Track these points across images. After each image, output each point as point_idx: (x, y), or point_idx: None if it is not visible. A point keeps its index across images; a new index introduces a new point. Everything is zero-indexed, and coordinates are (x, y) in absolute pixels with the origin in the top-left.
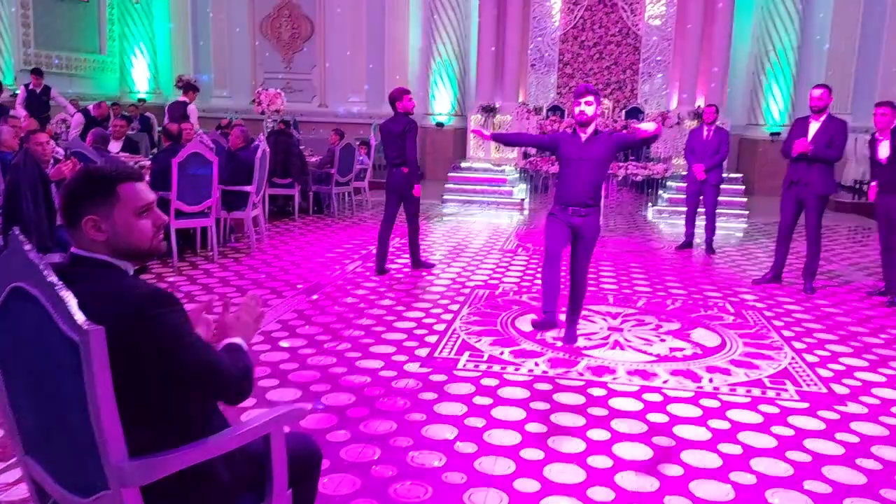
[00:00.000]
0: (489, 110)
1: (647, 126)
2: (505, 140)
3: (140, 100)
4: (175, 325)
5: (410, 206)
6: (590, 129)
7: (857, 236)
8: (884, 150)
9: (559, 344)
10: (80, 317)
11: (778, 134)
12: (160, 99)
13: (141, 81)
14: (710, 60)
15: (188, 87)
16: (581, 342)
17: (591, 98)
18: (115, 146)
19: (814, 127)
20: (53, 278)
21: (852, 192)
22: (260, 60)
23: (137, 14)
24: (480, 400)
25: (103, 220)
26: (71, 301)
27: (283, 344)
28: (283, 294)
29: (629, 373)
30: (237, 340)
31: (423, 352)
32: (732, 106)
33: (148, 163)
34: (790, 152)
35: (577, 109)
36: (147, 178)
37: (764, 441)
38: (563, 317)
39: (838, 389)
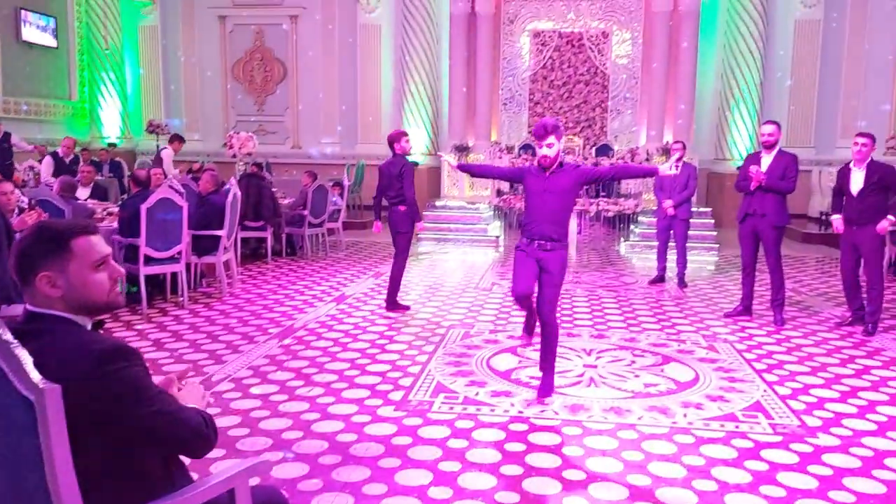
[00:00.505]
0: (462, 149)
1: (664, 168)
2: (472, 171)
3: (110, 144)
4: (135, 380)
5: (401, 241)
6: (555, 165)
7: (824, 266)
8: (857, 182)
9: (535, 382)
10: (35, 375)
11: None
12: (130, 144)
13: (111, 126)
14: (676, 97)
15: (175, 137)
16: (556, 380)
17: (551, 139)
18: (83, 193)
19: (766, 161)
20: (8, 336)
21: (819, 224)
22: (232, 103)
23: (107, 60)
24: (455, 443)
25: (58, 276)
26: (26, 359)
27: (253, 391)
28: (254, 339)
29: (604, 410)
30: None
31: (397, 395)
32: (700, 141)
33: (116, 209)
34: (747, 186)
35: (539, 153)
36: (115, 224)
37: (738, 476)
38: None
39: (810, 422)
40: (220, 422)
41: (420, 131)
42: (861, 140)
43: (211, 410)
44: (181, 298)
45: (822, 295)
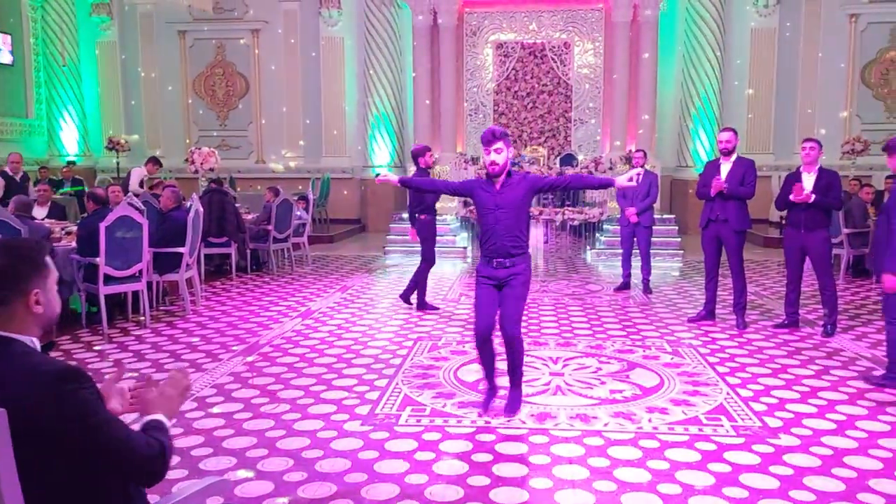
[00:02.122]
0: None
1: (621, 180)
2: (416, 185)
3: (70, 162)
4: (85, 403)
5: (424, 247)
6: (503, 175)
7: (785, 270)
8: (807, 187)
9: (503, 392)
10: None
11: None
12: (90, 161)
13: (70, 144)
14: (638, 107)
15: (151, 159)
16: (523, 389)
17: (500, 144)
18: (39, 212)
19: (725, 168)
20: None
21: (779, 228)
22: (194, 118)
23: (65, 76)
24: (422, 455)
25: (41, 294)
26: None
27: (216, 410)
28: (218, 357)
29: (570, 418)
30: (159, 417)
31: (364, 409)
32: (662, 149)
33: (75, 228)
34: (707, 193)
35: (487, 160)
36: (74, 243)
37: (701, 479)
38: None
39: (772, 422)
40: (183, 442)
41: (385, 143)
42: (808, 144)
43: (173, 430)
44: (143, 317)
45: (783, 298)
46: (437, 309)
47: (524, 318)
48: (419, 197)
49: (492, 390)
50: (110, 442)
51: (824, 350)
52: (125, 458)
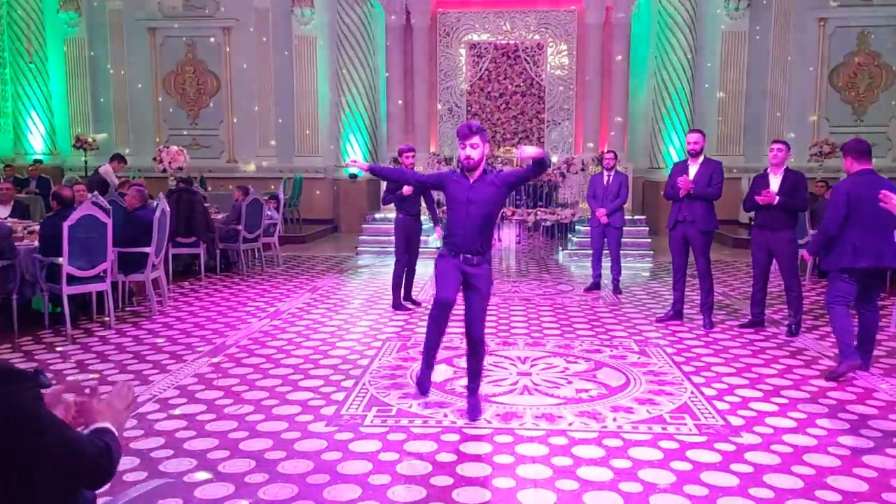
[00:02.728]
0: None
1: (529, 149)
2: (385, 174)
3: (36, 161)
4: (28, 404)
5: (395, 248)
6: (478, 171)
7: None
8: (773, 188)
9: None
10: None
11: None
12: (58, 160)
13: (37, 142)
14: (611, 109)
15: (115, 156)
16: (490, 389)
17: (476, 139)
18: (2, 211)
19: (693, 169)
20: None
21: (749, 229)
22: (164, 117)
23: (32, 73)
24: (386, 456)
25: None
26: None
27: (176, 412)
28: (183, 359)
29: (536, 417)
30: (105, 425)
31: (329, 410)
32: (634, 151)
33: (38, 227)
34: (675, 194)
35: (462, 154)
36: (37, 243)
37: (663, 477)
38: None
39: (734, 421)
40: (143, 443)
41: (359, 143)
42: (777, 146)
43: (133, 432)
44: (108, 318)
45: (749, 299)
46: (412, 308)
47: (494, 319)
48: (397, 195)
49: (429, 369)
50: (57, 443)
51: (788, 349)
52: (72, 460)
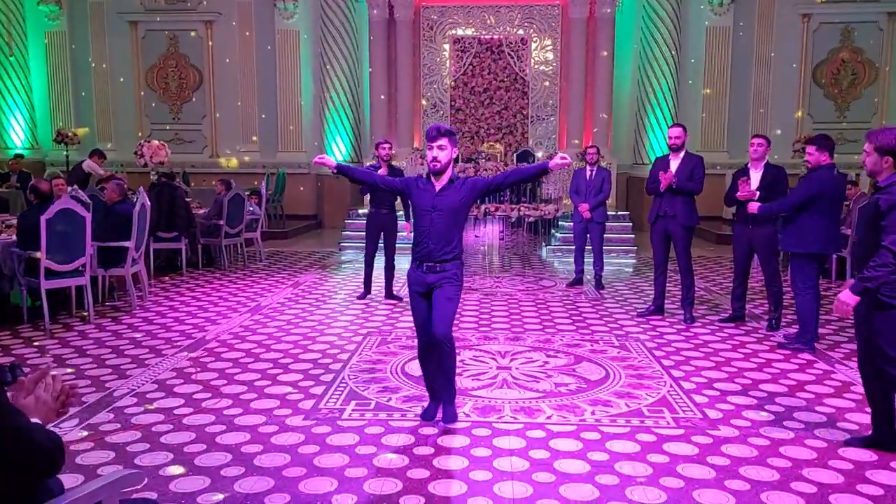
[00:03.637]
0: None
1: (554, 161)
2: (351, 174)
3: (17, 155)
4: None
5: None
6: (445, 177)
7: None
8: (754, 182)
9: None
10: None
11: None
12: (39, 154)
13: (18, 136)
14: (595, 104)
15: (95, 152)
16: (469, 383)
17: (443, 141)
18: None
19: (674, 164)
20: None
21: (731, 224)
22: (146, 111)
23: (12, 67)
24: (363, 449)
25: None
26: None
27: (150, 407)
28: (162, 353)
29: (514, 411)
30: (35, 420)
31: (307, 404)
32: (618, 146)
33: (15, 221)
34: (656, 188)
35: (429, 155)
36: (14, 237)
37: (639, 469)
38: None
39: (712, 414)
40: (119, 437)
41: (342, 138)
42: (757, 140)
43: (110, 426)
44: (87, 313)
45: (731, 293)
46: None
47: (475, 314)
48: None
49: (433, 400)
50: (9, 431)
51: (768, 344)
52: (26, 447)
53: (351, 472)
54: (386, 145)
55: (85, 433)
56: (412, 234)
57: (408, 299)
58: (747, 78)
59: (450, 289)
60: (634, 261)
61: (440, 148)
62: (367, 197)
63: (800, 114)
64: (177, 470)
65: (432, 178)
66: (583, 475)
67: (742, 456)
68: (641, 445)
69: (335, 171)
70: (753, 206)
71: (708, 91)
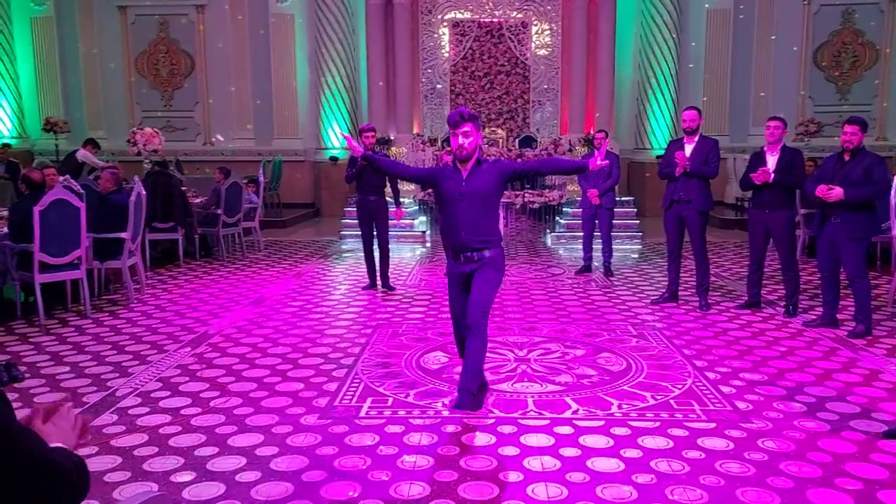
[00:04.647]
0: (383, 142)
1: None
2: (378, 164)
3: (5, 145)
4: None
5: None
6: (471, 162)
7: (743, 251)
8: (770, 166)
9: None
10: None
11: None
12: (27, 143)
13: (5, 125)
14: (596, 88)
15: (89, 141)
16: (489, 376)
17: (468, 127)
18: None
19: (689, 147)
20: None
21: (735, 210)
22: (137, 98)
23: None
24: (385, 450)
25: None
26: None
27: (161, 405)
28: (164, 349)
29: (538, 405)
30: (58, 445)
31: (322, 402)
32: (620, 131)
33: (6, 213)
34: (671, 172)
35: (454, 143)
36: (6, 229)
37: (676, 467)
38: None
39: (742, 406)
40: (125, 441)
41: (338, 125)
42: (773, 123)
43: (114, 429)
44: (83, 307)
45: (742, 279)
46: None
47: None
48: (358, 170)
49: (483, 386)
50: (30, 453)
51: (787, 331)
52: (46, 470)
53: (374, 475)
54: (370, 133)
55: (88, 437)
56: (401, 219)
57: (402, 291)
58: (748, 61)
59: (488, 271)
60: (640, 247)
61: (465, 135)
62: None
63: (801, 97)
64: (188, 476)
65: (458, 165)
66: (618, 474)
67: (780, 451)
68: (674, 441)
69: (361, 158)
70: (838, 193)
71: (709, 75)
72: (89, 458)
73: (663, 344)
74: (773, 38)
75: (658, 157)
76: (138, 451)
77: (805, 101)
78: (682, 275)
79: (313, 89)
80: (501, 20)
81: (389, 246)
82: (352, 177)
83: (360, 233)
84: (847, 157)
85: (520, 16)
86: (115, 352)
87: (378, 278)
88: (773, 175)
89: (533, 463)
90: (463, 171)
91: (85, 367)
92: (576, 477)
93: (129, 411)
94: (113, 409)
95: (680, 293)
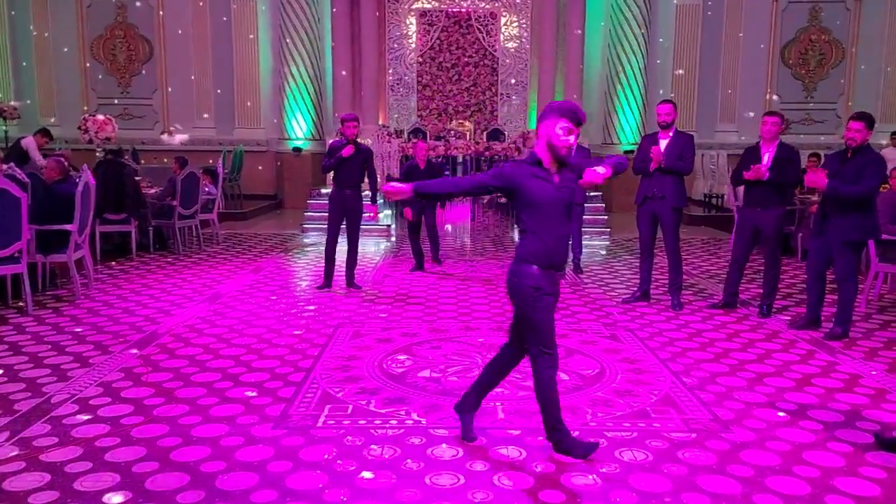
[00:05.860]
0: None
1: (599, 170)
2: (434, 192)
3: None
4: None
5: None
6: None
7: (711, 248)
8: (766, 161)
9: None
10: None
11: (632, 152)
12: None
13: None
14: (565, 82)
15: (42, 130)
16: (454, 381)
17: (578, 131)
18: None
19: (663, 142)
20: None
21: (703, 206)
22: (92, 84)
23: None
24: (343, 465)
25: None
26: None
27: (100, 413)
28: (109, 349)
29: (508, 413)
30: None
31: (276, 409)
32: (588, 126)
33: None
34: (645, 168)
35: (564, 140)
36: None
37: (656, 484)
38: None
39: (722, 414)
40: (57, 455)
41: (303, 115)
42: (771, 119)
43: (45, 441)
44: (23, 304)
45: (713, 277)
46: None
47: (454, 302)
48: (336, 159)
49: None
50: None
51: (762, 332)
52: None
53: (330, 494)
54: (352, 122)
55: (15, 451)
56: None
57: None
58: (716, 57)
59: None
60: (608, 243)
61: (575, 134)
62: (331, 175)
63: (769, 95)
64: (120, 498)
65: (546, 164)
66: (595, 492)
67: (765, 465)
68: (653, 454)
69: (412, 195)
70: (822, 181)
71: (681, 72)
72: (15, 475)
73: (636, 346)
74: (741, 34)
75: (626, 151)
76: (70, 468)
77: (772, 98)
78: (653, 273)
79: (277, 78)
80: (470, 10)
81: (343, 241)
82: (329, 167)
83: (325, 226)
84: (850, 155)
85: (489, 6)
86: (55, 353)
87: (345, 277)
88: (766, 173)
89: (503, 480)
90: (552, 172)
91: (20, 371)
92: (550, 497)
93: (64, 420)
94: (46, 417)
95: (651, 292)
